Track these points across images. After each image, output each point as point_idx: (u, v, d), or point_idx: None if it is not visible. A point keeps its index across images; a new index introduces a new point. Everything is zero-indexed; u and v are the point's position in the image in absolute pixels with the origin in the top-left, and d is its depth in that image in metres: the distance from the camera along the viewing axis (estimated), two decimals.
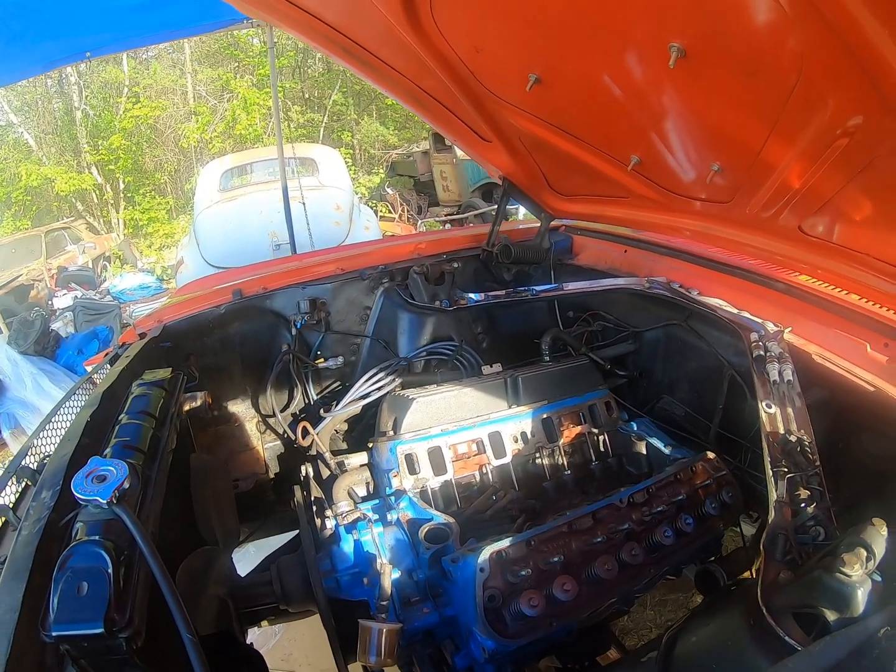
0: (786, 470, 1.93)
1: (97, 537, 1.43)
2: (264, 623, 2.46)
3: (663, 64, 1.83)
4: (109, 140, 21.22)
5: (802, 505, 1.83)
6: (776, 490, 1.89)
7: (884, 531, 1.47)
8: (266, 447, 3.55)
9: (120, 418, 2.08)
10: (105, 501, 1.43)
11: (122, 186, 22.60)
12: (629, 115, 2.38)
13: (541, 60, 2.32)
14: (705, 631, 1.80)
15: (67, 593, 1.32)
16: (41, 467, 1.90)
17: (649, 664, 1.79)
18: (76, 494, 1.45)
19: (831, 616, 1.43)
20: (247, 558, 3.33)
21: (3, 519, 1.81)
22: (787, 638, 1.48)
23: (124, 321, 10.13)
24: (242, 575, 2.44)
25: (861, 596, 1.38)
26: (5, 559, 1.53)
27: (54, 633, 1.29)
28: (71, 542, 1.43)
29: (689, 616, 1.94)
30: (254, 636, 2.26)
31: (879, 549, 1.43)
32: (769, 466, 1.98)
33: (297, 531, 2.75)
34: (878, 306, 2.32)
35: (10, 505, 1.87)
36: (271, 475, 3.58)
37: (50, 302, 11.98)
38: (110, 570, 1.37)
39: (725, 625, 1.74)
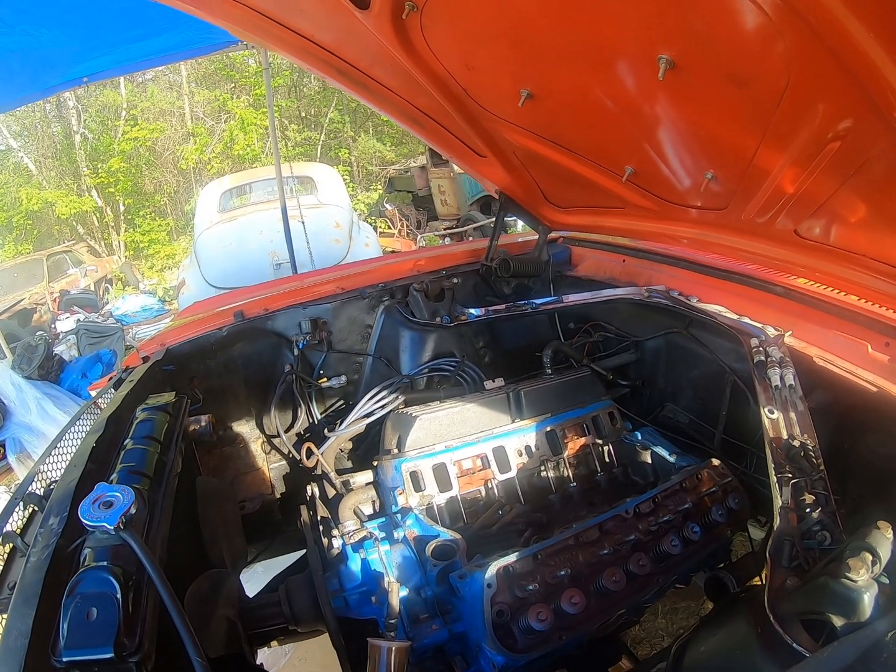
0: (790, 475, 1.93)
1: (105, 563, 1.44)
2: (273, 644, 2.46)
3: (653, 75, 1.85)
4: (108, 163, 21.38)
5: (808, 510, 1.83)
6: (781, 496, 1.89)
7: (889, 534, 1.47)
8: (271, 468, 3.55)
9: (125, 443, 2.08)
10: (112, 527, 1.45)
11: (122, 209, 22.74)
12: (622, 127, 2.40)
13: (532, 76, 2.34)
14: (713, 640, 1.80)
15: (77, 619, 1.33)
16: (48, 493, 1.91)
17: None
18: (83, 521, 1.47)
19: (838, 622, 1.42)
20: (254, 579, 3.33)
21: (12, 545, 1.82)
22: (794, 645, 1.47)
23: (127, 343, 10.17)
24: (251, 596, 2.44)
25: (867, 600, 1.38)
26: (14, 585, 1.54)
27: (65, 659, 1.29)
28: (79, 568, 1.44)
29: (697, 625, 1.94)
30: (263, 657, 2.26)
31: (885, 552, 1.43)
32: (773, 472, 1.97)
33: (305, 551, 2.75)
34: (877, 306, 2.32)
35: (18, 531, 1.88)
36: (277, 495, 3.58)
37: (53, 325, 12.03)
38: (119, 595, 1.38)
39: (733, 633, 1.74)
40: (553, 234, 4.00)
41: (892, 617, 1.26)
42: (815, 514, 1.81)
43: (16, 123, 22.99)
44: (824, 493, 1.89)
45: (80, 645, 1.30)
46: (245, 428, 3.49)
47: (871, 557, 1.40)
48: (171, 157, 22.93)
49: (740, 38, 1.65)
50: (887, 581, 1.42)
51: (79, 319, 11.98)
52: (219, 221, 10.21)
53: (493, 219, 4.07)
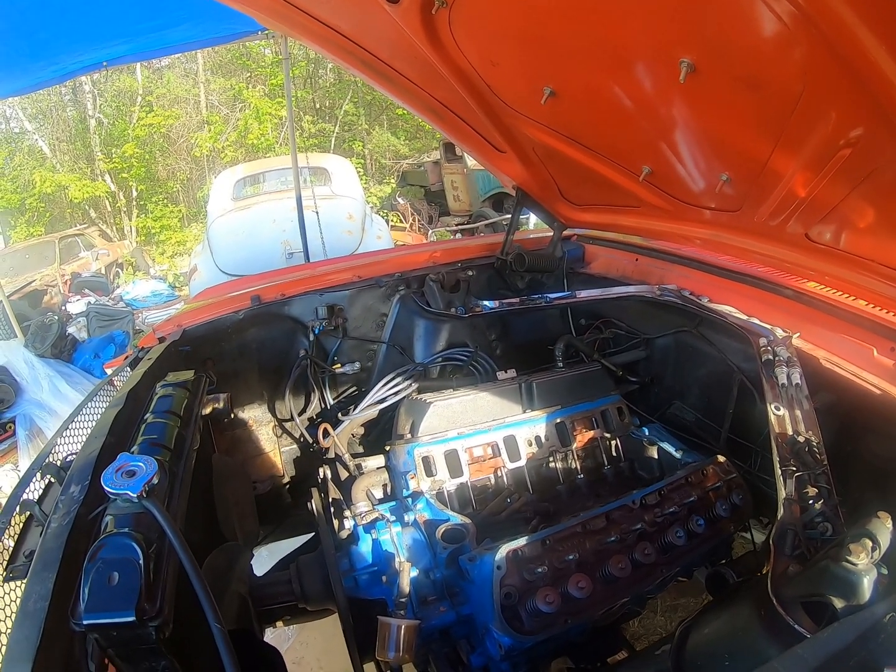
0: (794, 469, 1.97)
1: (127, 530, 1.46)
2: (280, 623, 2.50)
3: (674, 78, 1.88)
4: (123, 148, 21.33)
5: (810, 502, 1.88)
6: (785, 488, 1.94)
7: (889, 524, 1.51)
8: (283, 451, 3.59)
9: (146, 417, 2.12)
10: (135, 495, 1.47)
11: (134, 194, 22.69)
12: (641, 128, 2.42)
13: (556, 74, 2.37)
14: (717, 623, 1.84)
15: (98, 583, 1.34)
16: (65, 465, 1.94)
17: (663, 657, 1.83)
18: (106, 489, 1.49)
19: (839, 604, 1.47)
20: (260, 561, 3.36)
21: (28, 514, 1.85)
22: (796, 626, 1.52)
23: (137, 328, 10.20)
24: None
25: (867, 584, 1.43)
26: (30, 553, 1.58)
27: (85, 622, 1.31)
28: (101, 535, 1.46)
29: (701, 610, 1.98)
30: (268, 639, 2.29)
31: (884, 540, 1.47)
32: (778, 465, 2.02)
33: (313, 534, 2.79)
34: (884, 311, 2.36)
35: (35, 500, 1.91)
36: (287, 479, 3.63)
37: (63, 307, 12.03)
38: (141, 562, 1.39)
39: (737, 616, 1.78)
40: (567, 232, 4.03)
41: (890, 600, 1.30)
42: (817, 506, 1.86)
43: (31, 106, 22.95)
44: (827, 487, 1.93)
45: (100, 608, 1.31)
46: (257, 411, 3.53)
47: (870, 543, 1.44)
48: (185, 145, 22.88)
49: (758, 45, 1.68)
50: (886, 571, 1.47)
51: (89, 302, 11.97)
52: (232, 209, 10.25)
53: (505, 216, 4.10)
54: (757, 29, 1.62)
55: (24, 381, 7.50)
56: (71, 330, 9.73)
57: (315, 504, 2.60)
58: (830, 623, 1.39)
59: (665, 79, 2.03)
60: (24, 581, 1.48)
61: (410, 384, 3.13)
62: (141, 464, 1.54)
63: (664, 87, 2.11)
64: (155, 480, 1.52)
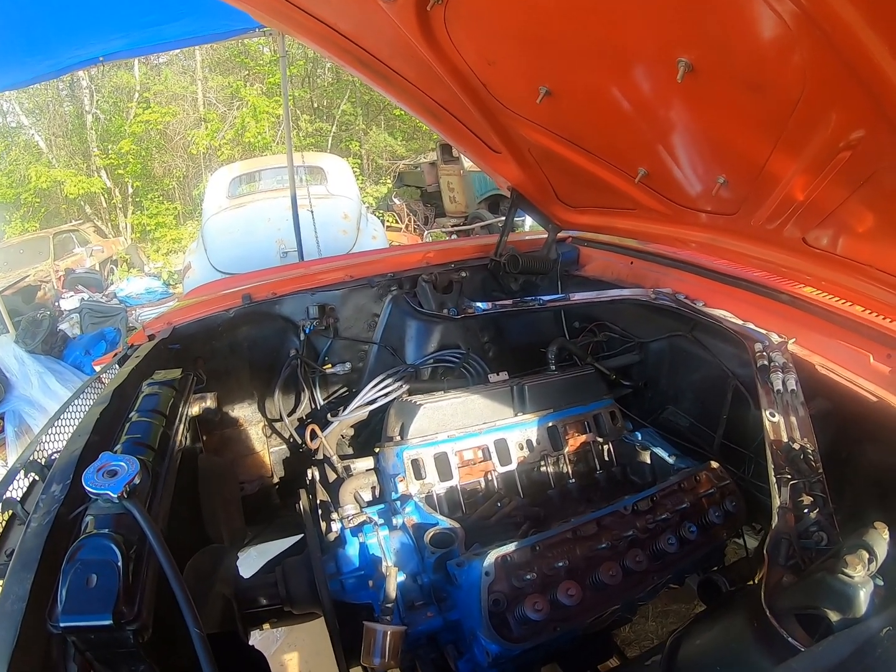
0: (789, 477, 1.94)
1: (107, 531, 1.44)
2: (266, 626, 2.47)
3: (671, 78, 1.85)
4: (119, 144, 21.36)
5: (805, 511, 1.85)
6: (779, 496, 1.91)
7: (885, 535, 1.49)
8: (271, 451, 3.57)
9: (130, 416, 2.10)
10: (116, 496, 1.46)
11: (130, 191, 22.70)
12: (637, 128, 2.40)
13: (552, 74, 2.34)
14: (709, 634, 1.82)
15: (76, 585, 1.33)
16: (50, 463, 1.92)
17: (653, 667, 1.81)
18: (87, 488, 1.48)
19: (834, 617, 1.45)
20: (248, 562, 3.33)
21: (11, 512, 1.83)
22: (790, 639, 1.49)
23: (130, 325, 10.18)
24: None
25: (863, 596, 1.40)
26: (12, 552, 1.55)
27: (62, 625, 1.29)
28: (80, 535, 1.44)
29: (692, 620, 1.95)
30: (254, 642, 2.27)
31: (881, 551, 1.45)
32: (772, 473, 1.99)
33: (301, 535, 2.75)
34: (881, 317, 2.33)
35: (18, 499, 1.89)
36: (276, 479, 3.60)
37: (56, 303, 12.01)
38: (120, 564, 1.38)
39: (729, 628, 1.75)
40: (562, 234, 4.01)
41: (887, 614, 1.28)
42: (812, 515, 1.83)
43: (28, 101, 22.92)
44: (822, 496, 1.91)
45: (78, 611, 1.30)
46: (247, 411, 3.51)
47: (867, 555, 1.42)
48: (182, 142, 22.85)
49: (759, 45, 1.66)
50: (882, 583, 1.44)
51: (83, 298, 11.98)
52: (227, 207, 10.27)
53: (501, 217, 4.09)
54: (757, 28, 1.60)
55: (13, 377, 7.49)
56: (63, 326, 9.73)
57: (303, 506, 2.58)
58: (825, 636, 1.36)
59: (663, 78, 2.01)
60: (3, 581, 1.45)
61: (401, 386, 3.10)
62: (123, 463, 1.53)
63: (662, 87, 2.09)
64: (137, 481, 1.51)
